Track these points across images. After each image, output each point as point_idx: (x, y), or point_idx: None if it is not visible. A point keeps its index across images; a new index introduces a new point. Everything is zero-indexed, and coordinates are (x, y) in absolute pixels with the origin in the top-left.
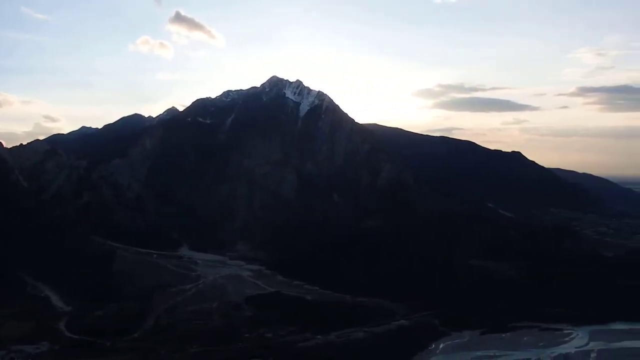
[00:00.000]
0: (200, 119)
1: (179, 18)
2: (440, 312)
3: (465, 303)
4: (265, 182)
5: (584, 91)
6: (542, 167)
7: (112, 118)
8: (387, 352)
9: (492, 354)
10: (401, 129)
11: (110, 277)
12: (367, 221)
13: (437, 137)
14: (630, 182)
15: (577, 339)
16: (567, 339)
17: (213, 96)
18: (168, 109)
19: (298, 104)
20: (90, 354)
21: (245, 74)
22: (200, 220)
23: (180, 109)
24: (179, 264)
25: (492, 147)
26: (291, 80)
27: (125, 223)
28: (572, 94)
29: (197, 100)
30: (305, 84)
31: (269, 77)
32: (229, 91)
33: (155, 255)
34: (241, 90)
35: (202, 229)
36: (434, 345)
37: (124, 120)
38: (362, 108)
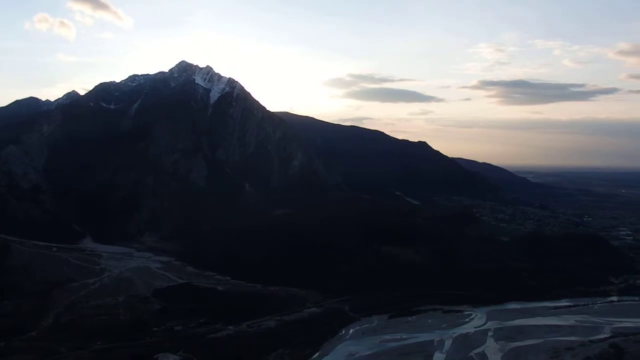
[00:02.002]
0: (104, 104)
1: None
2: (350, 298)
3: (374, 289)
4: (174, 170)
5: (484, 84)
6: (446, 157)
7: (4, 101)
8: (299, 339)
9: (399, 336)
10: (313, 118)
11: (5, 273)
12: (279, 210)
13: (347, 126)
14: (525, 171)
15: (476, 319)
16: (467, 319)
17: (118, 80)
18: (68, 93)
19: (208, 91)
20: None
21: (153, 58)
22: (105, 211)
23: (82, 93)
24: (81, 257)
25: (400, 136)
26: (201, 66)
27: (21, 215)
28: (474, 87)
29: (101, 84)
30: (216, 70)
31: (177, 62)
32: (135, 75)
33: (54, 249)
34: (148, 74)
35: (106, 220)
36: (344, 331)
37: (18, 104)
38: (273, 96)
